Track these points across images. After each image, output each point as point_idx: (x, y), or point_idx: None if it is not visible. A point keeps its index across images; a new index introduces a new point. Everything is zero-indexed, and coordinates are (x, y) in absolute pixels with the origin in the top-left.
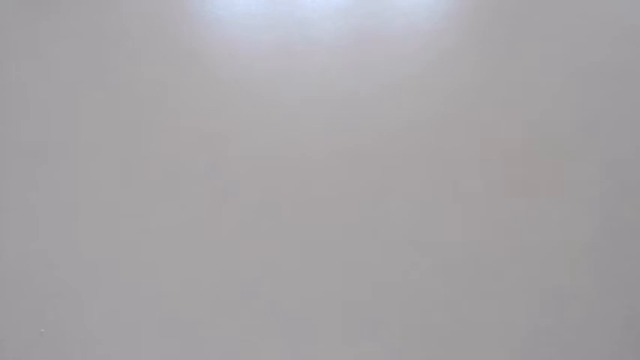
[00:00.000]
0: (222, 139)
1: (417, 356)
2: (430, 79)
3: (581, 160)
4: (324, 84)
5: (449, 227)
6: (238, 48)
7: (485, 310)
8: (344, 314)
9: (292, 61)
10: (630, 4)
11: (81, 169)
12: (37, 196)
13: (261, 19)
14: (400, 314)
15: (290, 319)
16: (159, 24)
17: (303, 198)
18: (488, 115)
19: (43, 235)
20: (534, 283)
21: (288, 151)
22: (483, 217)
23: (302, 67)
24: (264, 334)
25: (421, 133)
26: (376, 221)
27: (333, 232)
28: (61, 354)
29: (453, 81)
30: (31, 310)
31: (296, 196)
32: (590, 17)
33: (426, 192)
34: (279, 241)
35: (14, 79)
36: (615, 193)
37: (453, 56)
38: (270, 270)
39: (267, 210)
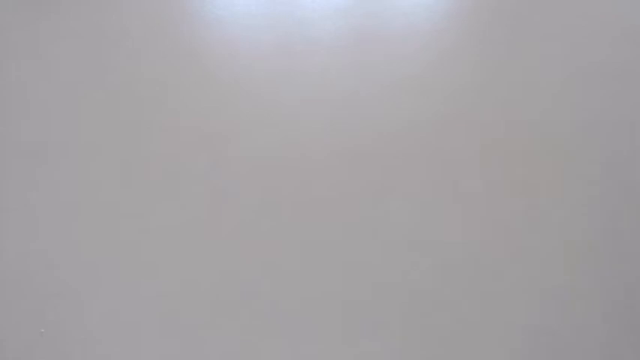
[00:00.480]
0: (222, 139)
1: (417, 356)
2: (430, 79)
3: (581, 160)
4: (324, 84)
5: (449, 227)
6: (238, 48)
7: (486, 310)
8: (344, 314)
9: (292, 61)
10: (630, 4)
11: (81, 169)
12: (37, 196)
13: (261, 19)
14: (400, 314)
15: (290, 319)
16: (159, 24)
17: (303, 198)
18: (488, 115)
19: (43, 235)
20: (534, 283)
21: (288, 151)
22: (483, 217)
23: (302, 67)
24: (264, 334)
25: (421, 133)
26: (376, 221)
27: (333, 232)
28: (61, 354)
29: (453, 81)
30: (31, 310)
31: (296, 196)
32: (590, 17)
33: (426, 192)
34: (279, 241)
35: (14, 79)
36: (615, 193)
37: (453, 56)
38: (270, 270)
39: (267, 210)
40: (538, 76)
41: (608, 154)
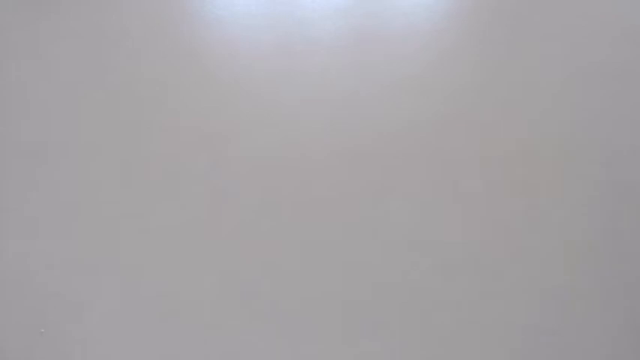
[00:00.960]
0: (222, 139)
1: (417, 356)
2: (430, 79)
3: (581, 160)
4: (324, 84)
5: (449, 227)
6: (238, 48)
7: (486, 310)
8: (344, 314)
9: (292, 61)
10: (630, 4)
11: (81, 169)
12: (37, 196)
13: (261, 19)
14: (400, 314)
15: (290, 319)
16: (159, 24)
17: (303, 198)
18: (488, 115)
19: (43, 235)
20: (534, 283)
21: (288, 151)
22: (483, 217)
23: (302, 67)
24: (264, 334)
25: (421, 133)
26: (376, 221)
27: (333, 232)
28: (61, 354)
29: (453, 81)
30: (31, 310)
31: (296, 196)
32: (590, 17)
33: (426, 192)
34: (279, 241)
35: (14, 79)
36: (615, 193)
37: (453, 56)
38: (270, 270)
39: (267, 210)
40: (538, 76)
41: (608, 154)
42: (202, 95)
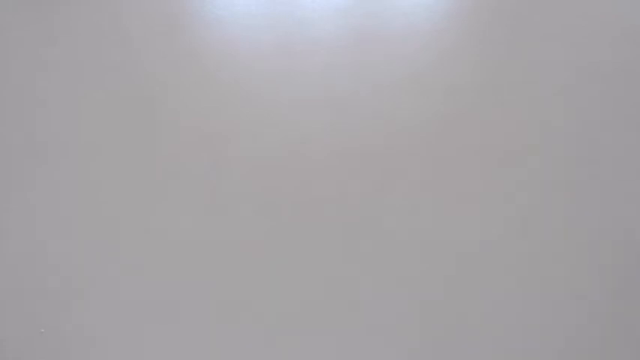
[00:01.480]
0: (222, 139)
1: (417, 356)
2: (430, 79)
3: (580, 160)
4: (324, 84)
5: (449, 227)
6: (238, 48)
7: (486, 310)
8: (344, 314)
9: (292, 61)
10: (630, 4)
11: (81, 169)
12: (36, 196)
13: (261, 19)
14: (400, 314)
15: (290, 319)
16: (159, 24)
17: (303, 198)
18: (489, 115)
19: (43, 235)
20: (534, 283)
21: (288, 151)
22: (483, 217)
23: (302, 67)
24: (264, 334)
25: (421, 133)
26: (376, 221)
27: (333, 232)
28: (61, 354)
29: (453, 81)
30: (31, 310)
31: (296, 196)
32: (590, 17)
33: (426, 192)
34: (279, 241)
35: (14, 79)
36: (615, 192)
37: (453, 56)
38: (270, 270)
39: (267, 210)
40: (538, 76)
41: (608, 154)
42: (202, 95)
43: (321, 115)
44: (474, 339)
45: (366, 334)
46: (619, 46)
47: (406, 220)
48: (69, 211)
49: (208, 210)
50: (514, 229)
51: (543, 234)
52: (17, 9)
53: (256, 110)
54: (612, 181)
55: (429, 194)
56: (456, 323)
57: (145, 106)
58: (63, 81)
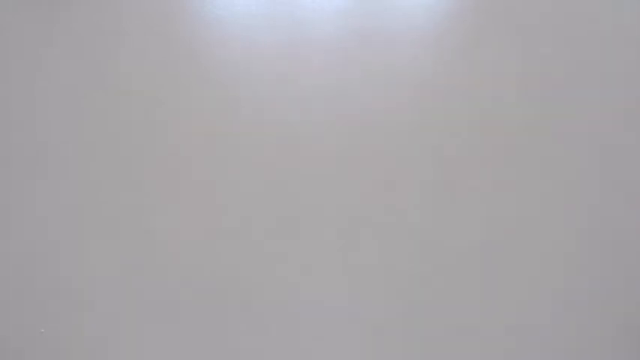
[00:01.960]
0: (222, 139)
1: (417, 356)
2: (430, 79)
3: (580, 160)
4: (325, 84)
5: (449, 227)
6: (238, 48)
7: (485, 310)
8: (344, 314)
9: (292, 61)
10: (630, 4)
11: (81, 169)
12: (37, 196)
13: (261, 19)
14: (400, 314)
15: (290, 320)
16: (159, 24)
17: (304, 198)
18: (489, 115)
19: (43, 235)
20: (534, 283)
21: (288, 151)
22: (483, 217)
23: (302, 68)
24: (264, 335)
25: (421, 133)
26: (376, 221)
27: (334, 232)
28: (61, 354)
29: (453, 81)
30: (31, 310)
31: (296, 196)
32: (590, 17)
33: (426, 192)
34: (280, 242)
35: (14, 79)
36: (615, 192)
37: (453, 56)
38: (270, 270)
39: (268, 210)
40: (538, 76)
41: (608, 153)
42: (202, 95)
43: (322, 115)
44: (474, 339)
45: (366, 334)
46: (619, 46)
47: (406, 219)
48: (69, 210)
49: (208, 209)
50: (514, 229)
51: (544, 234)
52: (17, 9)
53: (256, 110)
54: (613, 181)
55: (428, 194)
56: (457, 323)
57: (145, 106)
58: (63, 81)
